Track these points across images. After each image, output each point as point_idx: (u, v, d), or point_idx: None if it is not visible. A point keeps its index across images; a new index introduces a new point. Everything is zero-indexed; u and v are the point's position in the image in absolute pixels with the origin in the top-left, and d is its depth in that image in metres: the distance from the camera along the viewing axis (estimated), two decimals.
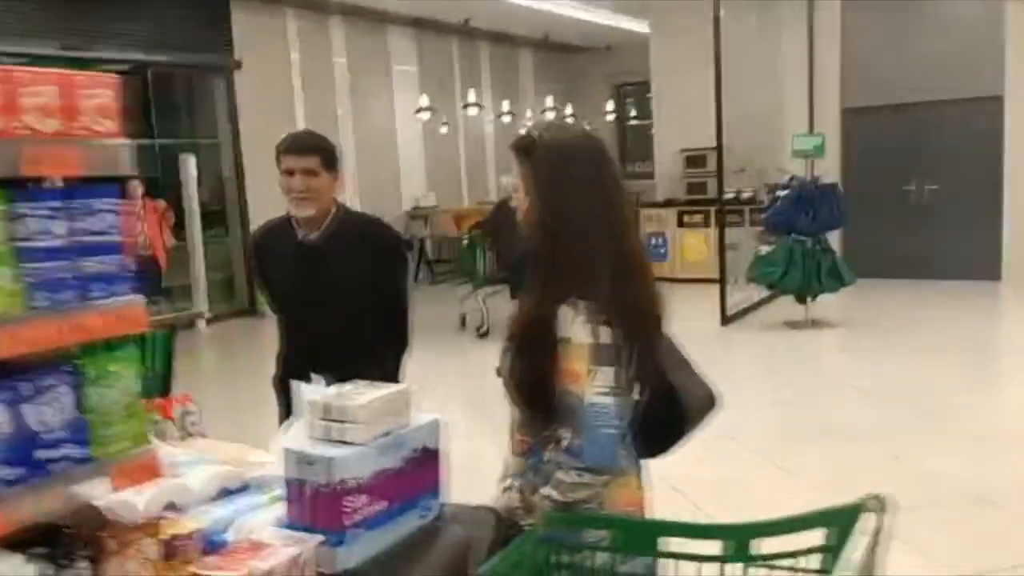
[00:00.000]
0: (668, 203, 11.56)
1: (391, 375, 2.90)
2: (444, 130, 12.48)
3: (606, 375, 1.61)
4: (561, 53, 15.22)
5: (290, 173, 2.63)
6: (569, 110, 14.30)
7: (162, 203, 8.50)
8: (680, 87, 11.00)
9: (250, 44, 10.14)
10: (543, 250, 1.70)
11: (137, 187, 8.00)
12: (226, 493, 1.72)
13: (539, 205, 1.70)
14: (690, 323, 8.88)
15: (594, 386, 1.61)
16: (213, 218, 10.19)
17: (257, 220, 10.11)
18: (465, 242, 8.46)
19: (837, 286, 7.92)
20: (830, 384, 6.19)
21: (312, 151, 2.67)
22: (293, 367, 2.83)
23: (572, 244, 1.66)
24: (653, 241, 11.26)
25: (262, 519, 1.58)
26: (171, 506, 1.66)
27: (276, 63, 10.58)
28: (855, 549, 1.26)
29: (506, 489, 1.74)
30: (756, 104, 10.05)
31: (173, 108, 10.21)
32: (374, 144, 11.89)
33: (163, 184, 9.22)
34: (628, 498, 1.74)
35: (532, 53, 14.91)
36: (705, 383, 1.94)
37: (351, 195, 11.42)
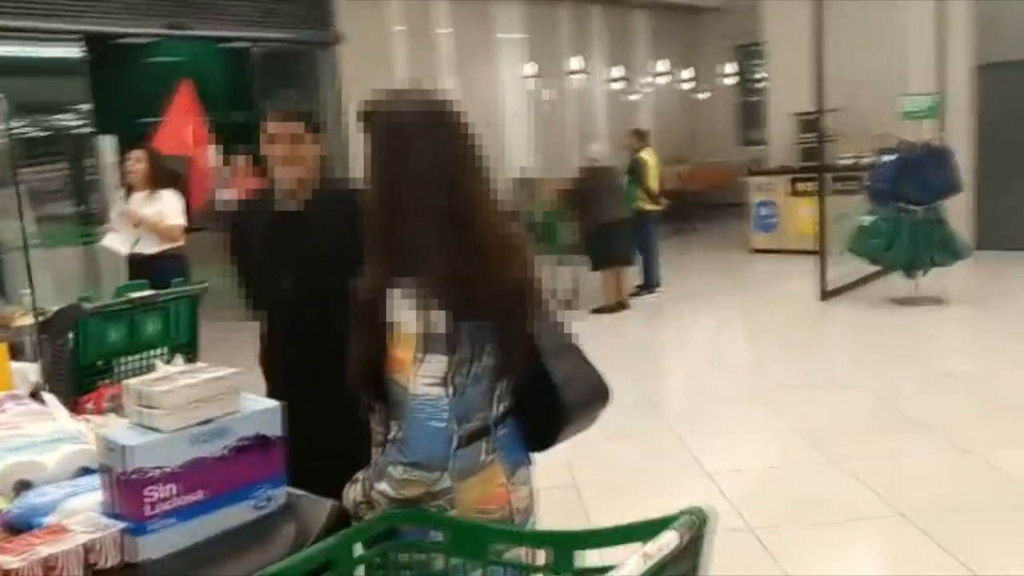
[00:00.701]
0: (781, 170, 10.96)
1: None
2: (550, 96, 12.30)
3: (436, 364, 1.48)
4: (678, 14, 14.64)
5: (273, 139, 2.57)
6: (687, 74, 13.79)
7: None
8: (793, 48, 10.34)
9: (353, 18, 10.30)
10: (373, 226, 1.57)
11: (242, 159, 8.30)
12: (86, 472, 1.72)
13: (371, 176, 1.57)
14: (787, 298, 8.62)
15: (421, 376, 1.48)
16: None
17: None
18: (547, 210, 8.32)
19: (951, 260, 7.27)
20: (921, 369, 5.68)
21: (297, 116, 2.60)
22: (276, 343, 2.83)
23: (403, 221, 1.53)
24: (762, 211, 10.72)
25: (90, 502, 1.55)
26: (25, 484, 1.68)
27: (379, 36, 10.71)
28: (623, 568, 1.10)
29: (352, 483, 1.65)
30: (876, 64, 9.31)
31: (277, 85, 10.52)
32: (479, 114, 11.79)
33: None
34: (486, 497, 1.61)
35: (647, 15, 14.43)
36: (594, 374, 1.78)
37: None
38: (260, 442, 1.59)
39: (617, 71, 12.98)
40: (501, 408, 1.66)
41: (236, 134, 9.04)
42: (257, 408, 1.59)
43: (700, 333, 7.51)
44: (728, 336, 7.39)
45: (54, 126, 8.13)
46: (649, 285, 8.47)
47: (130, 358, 2.78)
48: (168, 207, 5.71)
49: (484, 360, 1.58)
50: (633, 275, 8.14)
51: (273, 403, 1.62)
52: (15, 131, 7.89)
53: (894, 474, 3.96)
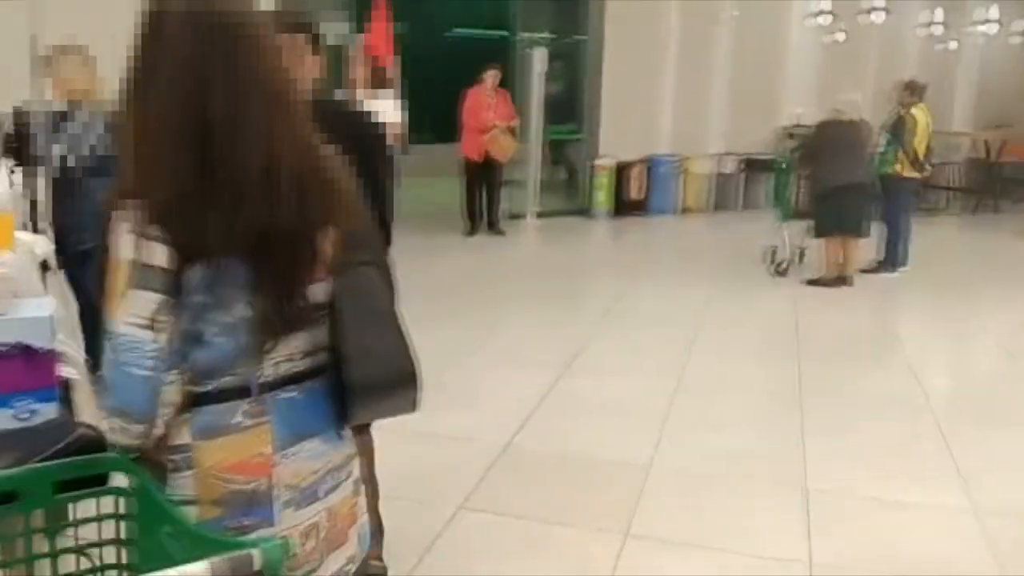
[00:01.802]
0: None
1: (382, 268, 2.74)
2: (841, 38, 11.01)
3: (143, 303, 1.30)
4: None
5: None
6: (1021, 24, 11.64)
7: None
8: None
9: None
10: (117, 134, 1.39)
11: (495, 76, 8.41)
12: None
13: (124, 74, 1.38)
14: None
15: (125, 313, 1.31)
16: (565, 114, 10.39)
17: (609, 121, 10.21)
18: (781, 165, 7.50)
19: None
20: None
21: (298, 28, 2.50)
22: None
23: (141, 131, 1.34)
24: None
25: None
26: None
27: None
28: None
29: None
30: None
31: (539, 3, 10.43)
32: (756, 50, 10.94)
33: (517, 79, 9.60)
34: (236, 464, 1.41)
35: None
36: (400, 353, 1.50)
37: (722, 100, 10.79)
38: (25, 352, 1.54)
39: (934, 14, 11.26)
40: (282, 369, 1.45)
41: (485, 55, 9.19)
42: (23, 315, 1.54)
43: (932, 328, 6.39)
44: (970, 335, 6.28)
45: None
46: (891, 262, 7.40)
47: None
48: (388, 107, 6.24)
49: (240, 310, 1.38)
50: (863, 248, 7.12)
51: (44, 313, 1.55)
52: None
53: None
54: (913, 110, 7.24)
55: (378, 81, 6.24)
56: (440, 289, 6.61)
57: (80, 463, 1.39)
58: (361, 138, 2.60)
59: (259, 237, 1.34)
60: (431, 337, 5.53)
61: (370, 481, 2.65)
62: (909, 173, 7.22)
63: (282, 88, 1.39)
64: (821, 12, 10.56)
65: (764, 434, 4.05)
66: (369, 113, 2.65)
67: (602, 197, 10.19)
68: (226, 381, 1.39)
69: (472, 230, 8.79)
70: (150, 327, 1.30)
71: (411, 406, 1.55)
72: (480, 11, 12.37)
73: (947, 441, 4.04)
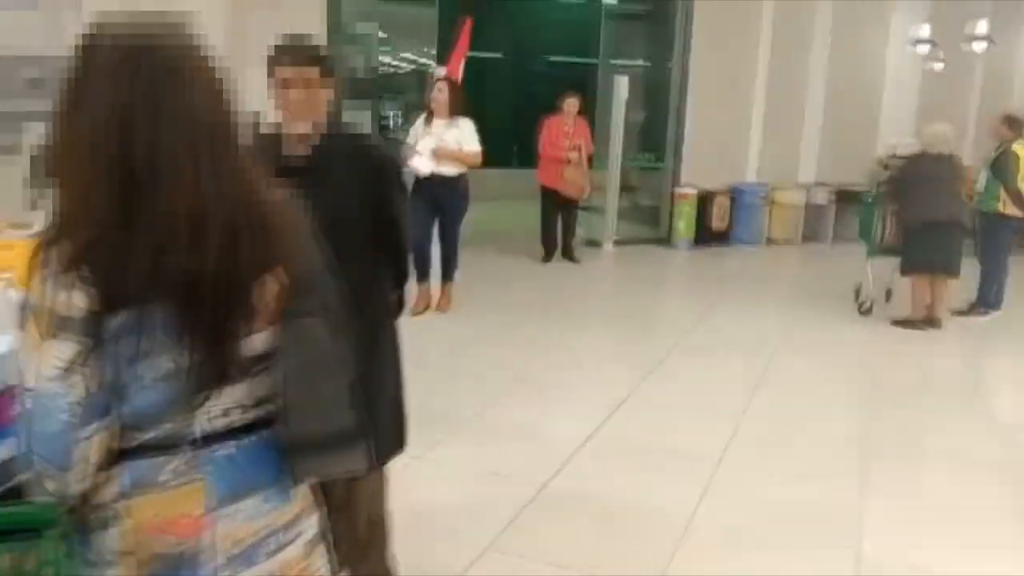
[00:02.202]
0: None
1: (392, 307, 2.67)
2: (939, 67, 10.51)
3: (63, 350, 1.26)
4: None
5: (287, 85, 2.48)
6: None
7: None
8: None
9: None
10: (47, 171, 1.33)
11: (572, 104, 8.35)
12: None
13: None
14: None
15: (44, 363, 1.26)
16: (649, 143, 10.23)
17: (693, 149, 9.99)
18: (869, 199, 7.14)
19: None
20: None
21: (313, 60, 2.47)
22: None
23: (66, 166, 1.29)
24: None
25: None
26: None
27: None
28: None
29: None
30: None
31: (627, 28, 10.30)
32: (852, 78, 10.56)
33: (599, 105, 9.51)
34: (166, 521, 1.35)
35: None
36: (339, 408, 1.41)
37: (815, 129, 10.43)
38: None
39: None
40: (218, 423, 1.37)
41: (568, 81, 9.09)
42: None
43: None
44: None
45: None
46: (985, 304, 6.94)
47: None
48: (467, 133, 6.17)
49: (168, 360, 1.31)
50: (956, 288, 6.70)
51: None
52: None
53: None
54: (1014, 146, 6.81)
55: (457, 107, 6.19)
56: (506, 316, 6.54)
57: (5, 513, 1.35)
58: (376, 170, 2.55)
59: (187, 284, 1.28)
60: (485, 366, 5.57)
61: (380, 525, 2.57)
62: (1011, 211, 6.78)
63: (217, 127, 1.32)
64: (920, 40, 10.08)
65: (821, 489, 3.79)
66: (383, 144, 2.60)
67: (683, 226, 9.96)
68: (155, 435, 1.32)
69: (547, 257, 8.69)
70: (67, 377, 1.25)
71: (359, 462, 1.46)
72: (572, 38, 12.37)
73: None
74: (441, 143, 6.08)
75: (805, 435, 4.44)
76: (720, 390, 5.05)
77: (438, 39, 8.68)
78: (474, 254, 8.89)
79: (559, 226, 8.74)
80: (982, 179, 6.94)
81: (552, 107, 8.49)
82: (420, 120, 6.34)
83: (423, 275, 6.44)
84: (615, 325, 6.54)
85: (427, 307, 6.54)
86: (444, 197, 6.22)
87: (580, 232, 9.55)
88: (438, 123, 6.19)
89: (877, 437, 4.42)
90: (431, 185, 6.13)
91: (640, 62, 10.42)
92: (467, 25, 7.26)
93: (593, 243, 9.56)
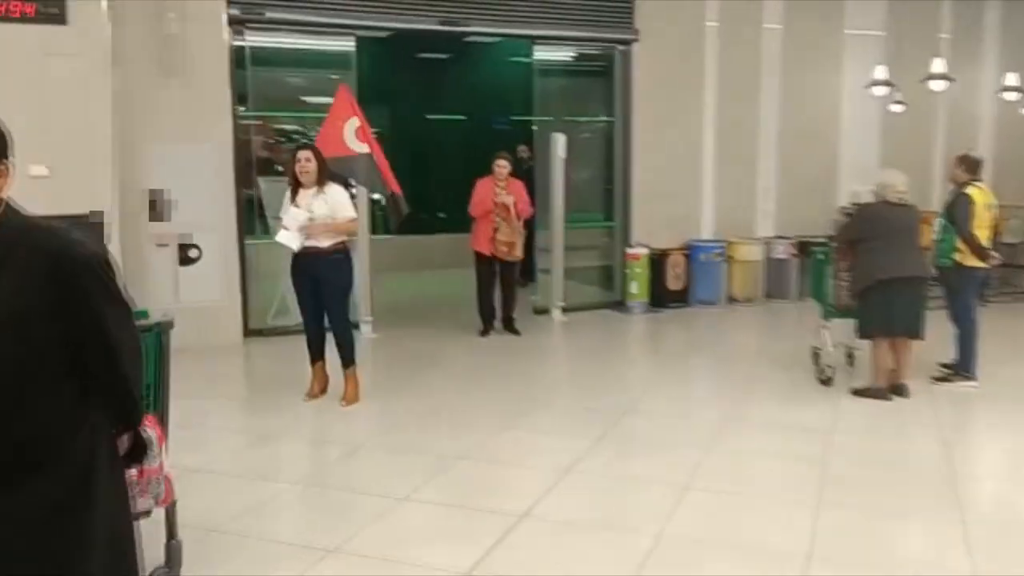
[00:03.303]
0: None
1: (105, 452, 1.99)
2: (898, 109, 10.00)
3: None
4: None
5: None
6: None
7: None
8: None
9: (655, 11, 9.21)
10: None
11: (502, 165, 7.78)
12: None
13: None
14: None
15: None
16: (592, 202, 9.66)
17: (642, 206, 9.41)
18: (818, 255, 6.50)
19: None
20: None
21: None
22: None
23: None
24: None
25: None
26: None
27: (686, 32, 9.47)
28: None
29: None
30: None
31: (561, 84, 9.79)
32: (807, 124, 10.06)
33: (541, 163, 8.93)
34: None
35: None
36: None
37: (770, 179, 9.89)
38: None
39: (1004, 78, 10.16)
40: None
41: (507, 139, 8.55)
42: None
43: (1010, 467, 5.16)
44: None
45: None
46: (965, 368, 6.22)
47: None
48: (340, 201, 5.66)
49: None
50: (916, 350, 5.99)
51: None
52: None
53: None
54: (968, 189, 6.19)
55: (325, 176, 5.64)
56: (426, 402, 5.84)
57: None
58: (72, 268, 1.89)
59: None
60: (387, 464, 4.86)
61: None
62: (971, 263, 6.12)
63: None
64: (877, 82, 9.59)
65: None
66: (76, 239, 1.91)
67: (637, 288, 9.31)
68: None
69: (485, 330, 8.03)
70: None
71: None
72: (508, 96, 11.90)
73: None
74: (308, 215, 5.53)
75: (733, 546, 3.69)
76: (644, 493, 4.31)
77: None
78: (406, 330, 8.27)
79: (497, 294, 8.10)
80: (939, 228, 6.32)
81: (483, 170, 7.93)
82: (287, 194, 5.77)
83: (316, 355, 5.86)
84: (541, 410, 5.81)
85: (323, 391, 5.87)
86: (321, 272, 5.62)
87: (534, 299, 8.87)
88: (305, 194, 5.64)
89: (822, 544, 3.68)
90: (306, 261, 5.62)
91: (582, 118, 9.88)
92: (342, 92, 6.70)
93: (542, 311, 8.90)
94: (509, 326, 8.12)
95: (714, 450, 4.88)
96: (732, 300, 9.70)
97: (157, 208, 7.31)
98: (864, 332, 5.89)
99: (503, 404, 5.85)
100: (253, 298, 7.92)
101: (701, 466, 4.61)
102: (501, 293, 8.11)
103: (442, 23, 8.22)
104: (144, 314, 3.15)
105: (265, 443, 5.11)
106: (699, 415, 5.70)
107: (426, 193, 13.41)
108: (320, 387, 5.90)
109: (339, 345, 5.76)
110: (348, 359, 5.79)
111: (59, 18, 6.45)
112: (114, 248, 6.75)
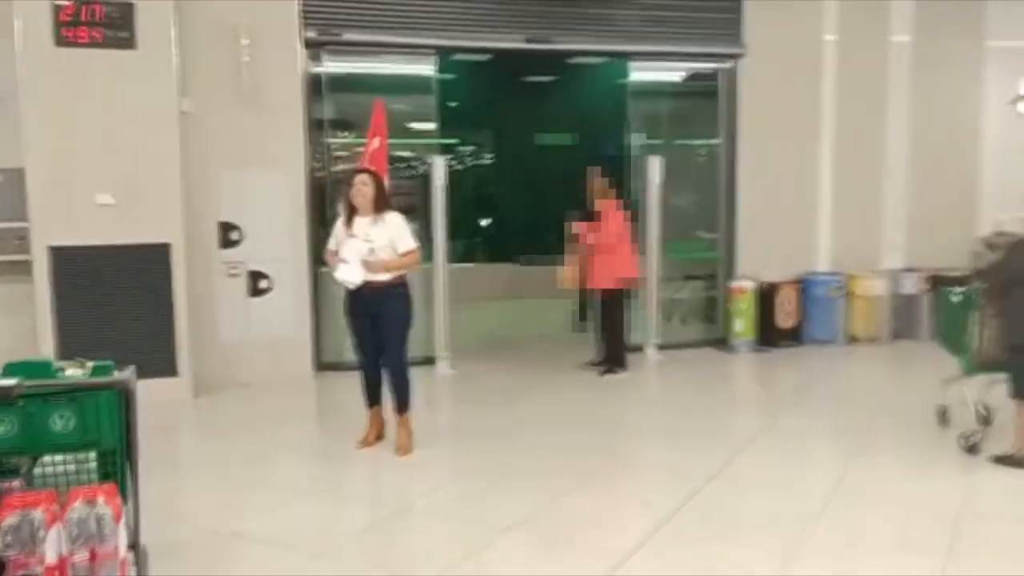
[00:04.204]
0: None
1: None
2: None
3: None
4: None
5: None
6: None
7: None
8: None
9: (766, 23, 8.43)
10: None
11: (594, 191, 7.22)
12: None
13: None
14: None
15: None
16: (692, 230, 8.89)
17: (750, 235, 8.58)
18: (954, 297, 5.54)
19: None
20: None
21: None
22: None
23: None
24: None
25: None
26: None
27: (801, 46, 8.63)
28: None
29: None
30: None
31: (659, 103, 9.07)
32: (941, 145, 9.01)
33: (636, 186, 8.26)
34: None
35: None
36: None
37: (898, 205, 8.89)
38: None
39: None
40: None
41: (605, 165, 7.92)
42: None
43: None
44: None
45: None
46: None
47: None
48: (398, 231, 5.15)
49: None
50: None
51: None
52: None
53: None
54: None
55: (383, 201, 5.18)
56: (489, 454, 5.27)
57: None
58: None
59: None
60: (424, 534, 4.31)
61: None
62: None
63: None
64: (1021, 97, 8.46)
65: None
66: None
67: (742, 325, 8.47)
68: None
69: (612, 369, 7.44)
70: None
71: None
72: (610, 119, 11.26)
73: None
74: (369, 245, 5.05)
75: None
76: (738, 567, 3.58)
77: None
78: (487, 365, 7.75)
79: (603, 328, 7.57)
80: None
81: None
82: (339, 221, 5.31)
83: (373, 399, 5.38)
84: (611, 470, 5.12)
85: (379, 437, 5.38)
86: (381, 308, 5.13)
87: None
88: (360, 221, 5.16)
89: None
90: (365, 298, 5.12)
91: (683, 140, 9.15)
92: (377, 109, 6.37)
93: (635, 348, 8.20)
94: (610, 363, 7.52)
95: (815, 534, 4.06)
96: (852, 340, 8.73)
97: (227, 237, 7.06)
98: (1018, 391, 4.90)
99: (576, 457, 5.19)
100: (326, 330, 7.57)
101: (795, 557, 3.82)
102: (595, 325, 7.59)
103: (528, 40, 7.71)
104: (107, 369, 2.71)
105: (301, 500, 4.62)
106: (803, 483, 4.87)
107: (522, 221, 13.02)
108: (376, 434, 5.42)
109: (394, 387, 5.26)
110: (403, 404, 5.28)
111: (128, 43, 6.30)
112: (181, 278, 6.53)
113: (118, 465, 2.71)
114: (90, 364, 2.91)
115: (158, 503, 4.09)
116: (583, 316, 9.05)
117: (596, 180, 7.30)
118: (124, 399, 2.68)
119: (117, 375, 2.73)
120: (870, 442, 5.53)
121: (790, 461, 5.24)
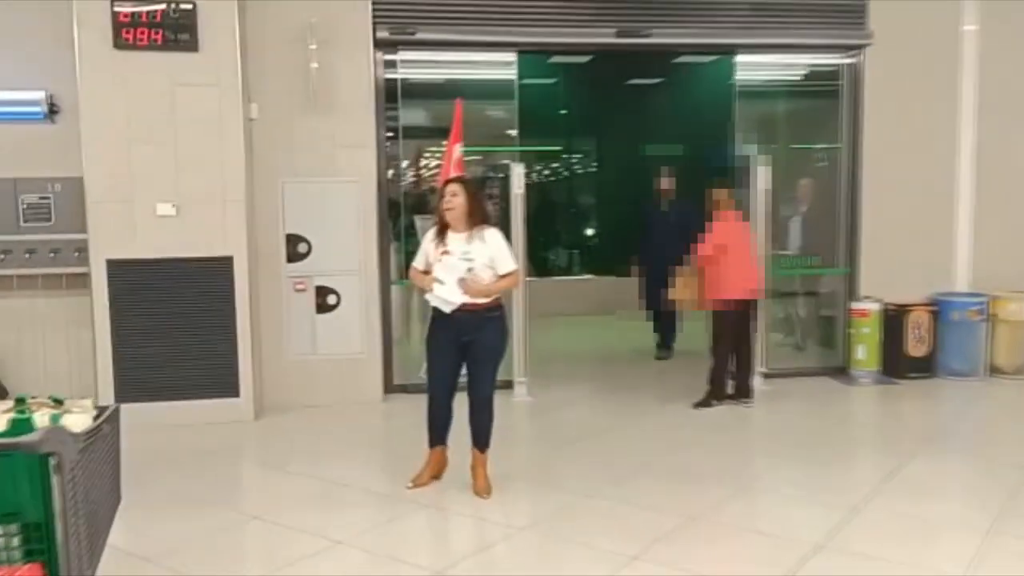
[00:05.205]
0: None
1: None
2: None
3: None
4: None
5: None
6: None
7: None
8: None
9: (894, 12, 7.44)
10: None
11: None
12: None
13: None
14: None
15: None
16: (808, 244, 7.95)
17: (871, 251, 7.58)
18: None
19: None
20: None
21: None
22: None
23: None
24: None
25: None
26: None
27: (936, 37, 7.58)
28: None
29: None
30: None
31: (769, 103, 8.16)
32: None
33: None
34: None
35: None
36: None
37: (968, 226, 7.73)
38: None
39: None
40: None
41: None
42: None
43: None
44: None
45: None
46: None
47: None
48: (497, 249, 4.59)
49: None
50: None
51: None
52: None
53: None
54: None
55: (479, 215, 4.58)
56: (552, 501, 4.61)
57: None
58: None
59: None
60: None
61: None
62: None
63: None
64: None
65: None
66: None
67: (864, 352, 7.49)
68: None
69: (719, 396, 6.73)
70: None
71: None
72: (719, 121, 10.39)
73: None
74: (468, 264, 4.49)
75: None
76: None
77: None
78: (572, 392, 7.09)
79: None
80: None
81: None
82: (430, 235, 4.72)
83: (439, 437, 4.78)
84: (686, 534, 4.35)
85: (435, 476, 4.80)
86: (474, 332, 4.55)
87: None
88: (455, 238, 4.58)
89: None
90: (457, 321, 4.54)
91: (800, 144, 8.24)
92: (459, 110, 5.92)
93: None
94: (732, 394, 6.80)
95: None
96: (994, 371, 7.60)
97: (294, 249, 6.66)
98: None
99: (647, 513, 4.44)
100: (397, 350, 7.07)
101: None
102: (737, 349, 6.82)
103: (619, 34, 7.00)
104: (24, 426, 2.21)
105: (336, 550, 4.07)
106: (932, 556, 3.97)
107: (621, 231, 12.27)
108: (433, 474, 4.83)
109: (480, 421, 4.66)
110: (486, 439, 4.69)
111: (190, 45, 5.98)
112: (244, 292, 6.17)
113: (44, 542, 2.20)
114: (46, 411, 2.44)
115: (170, 544, 3.65)
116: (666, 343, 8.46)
117: (716, 191, 6.59)
118: (47, 463, 2.17)
119: (43, 432, 2.22)
120: (1021, 496, 4.55)
121: (914, 522, 4.32)
